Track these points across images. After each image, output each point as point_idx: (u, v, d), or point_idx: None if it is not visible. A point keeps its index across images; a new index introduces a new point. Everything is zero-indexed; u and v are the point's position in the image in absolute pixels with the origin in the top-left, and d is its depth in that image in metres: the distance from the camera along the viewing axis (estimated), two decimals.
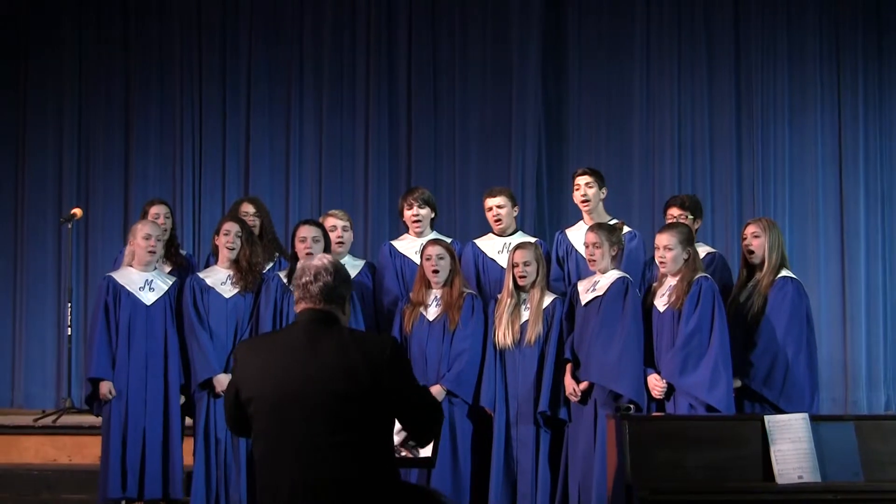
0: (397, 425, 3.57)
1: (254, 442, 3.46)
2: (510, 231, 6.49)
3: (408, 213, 6.53)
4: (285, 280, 6.08)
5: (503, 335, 5.93)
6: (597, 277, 5.84)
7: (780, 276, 5.70)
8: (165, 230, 6.50)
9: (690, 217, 6.20)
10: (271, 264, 6.48)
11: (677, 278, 5.62)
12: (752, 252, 5.78)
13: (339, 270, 3.55)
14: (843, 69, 8.43)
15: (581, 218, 6.43)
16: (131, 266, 6.18)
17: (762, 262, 5.74)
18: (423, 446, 3.83)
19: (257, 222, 6.64)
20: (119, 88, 8.99)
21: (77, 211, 7.94)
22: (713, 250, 6.34)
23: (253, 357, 3.48)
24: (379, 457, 3.41)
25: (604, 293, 5.73)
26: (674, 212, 6.23)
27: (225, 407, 3.65)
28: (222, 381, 5.98)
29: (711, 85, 8.56)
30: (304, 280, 3.52)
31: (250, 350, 3.54)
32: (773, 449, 4.46)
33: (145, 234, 6.12)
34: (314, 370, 3.36)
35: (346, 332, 3.47)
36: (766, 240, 5.72)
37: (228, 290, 6.16)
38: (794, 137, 8.43)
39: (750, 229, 5.82)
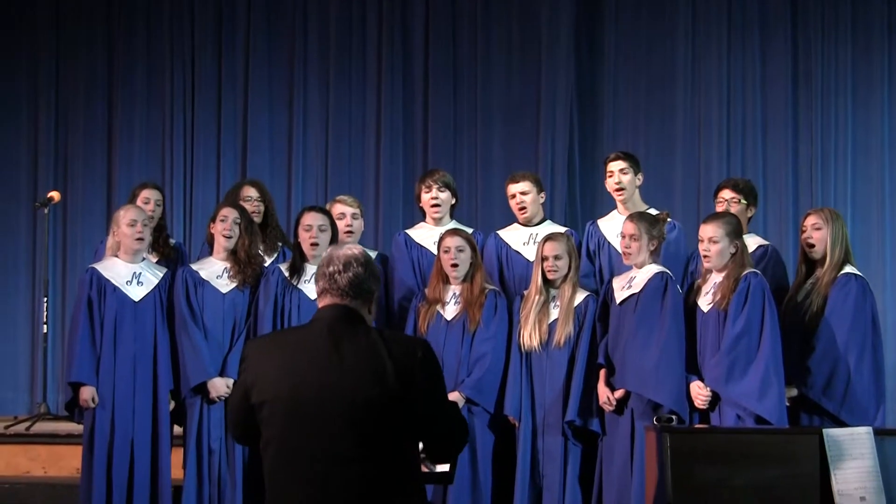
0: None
1: (264, 450, 3.44)
2: (536, 220, 6.52)
3: (426, 197, 6.55)
4: (287, 273, 6.13)
5: (529, 336, 5.96)
6: (633, 273, 5.85)
7: (842, 272, 5.71)
8: (152, 217, 6.44)
9: (744, 202, 6.19)
10: (275, 256, 6.48)
11: (723, 274, 5.64)
12: (812, 246, 5.80)
13: (370, 263, 3.55)
14: None
15: (615, 207, 6.47)
16: (117, 257, 6.15)
17: (823, 258, 5.76)
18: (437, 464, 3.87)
19: (261, 208, 6.60)
20: (101, 55, 9.01)
21: (54, 194, 7.92)
22: (765, 242, 6.32)
23: (267, 357, 3.47)
24: (405, 475, 3.40)
25: (640, 290, 5.75)
26: (726, 194, 6.22)
27: (230, 411, 3.65)
28: (217, 385, 6.04)
29: (764, 56, 8.47)
30: (331, 269, 3.50)
31: (264, 349, 3.53)
32: (832, 467, 4.44)
33: (130, 221, 6.07)
34: (337, 375, 3.35)
35: (373, 332, 3.45)
36: (829, 232, 5.74)
37: (225, 285, 6.17)
38: (859, 116, 8.33)
39: (810, 220, 5.83)
